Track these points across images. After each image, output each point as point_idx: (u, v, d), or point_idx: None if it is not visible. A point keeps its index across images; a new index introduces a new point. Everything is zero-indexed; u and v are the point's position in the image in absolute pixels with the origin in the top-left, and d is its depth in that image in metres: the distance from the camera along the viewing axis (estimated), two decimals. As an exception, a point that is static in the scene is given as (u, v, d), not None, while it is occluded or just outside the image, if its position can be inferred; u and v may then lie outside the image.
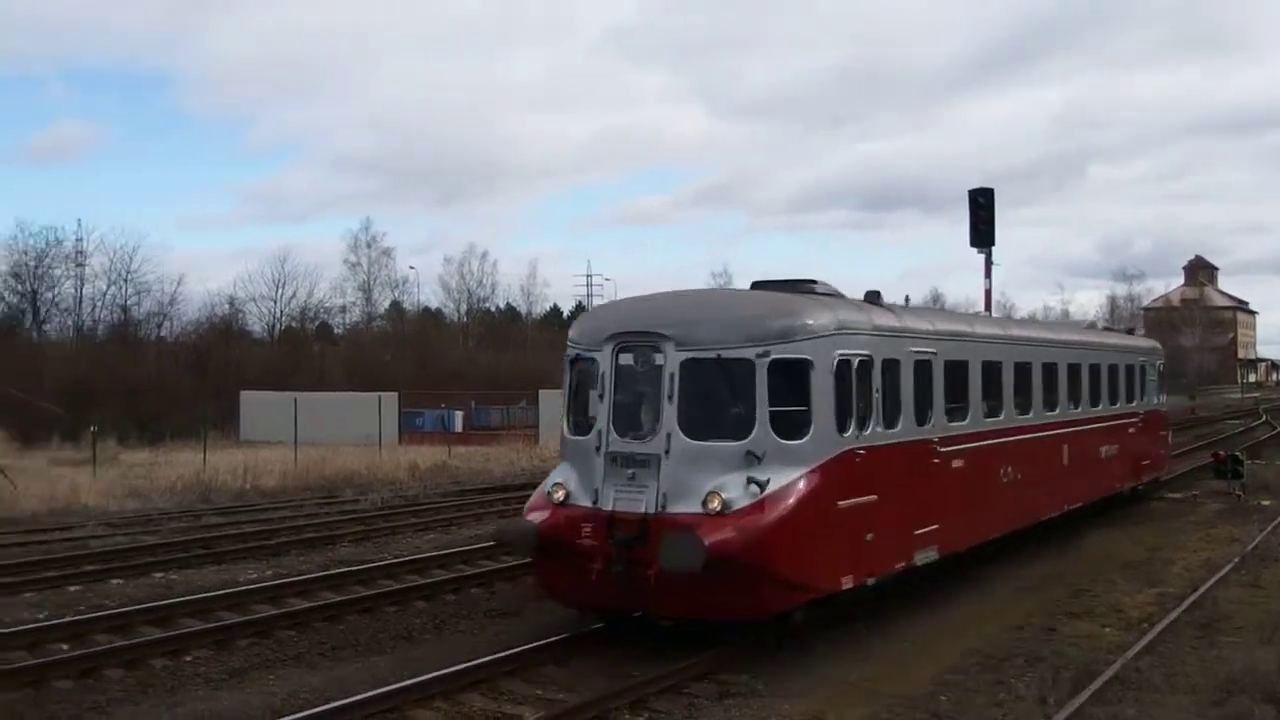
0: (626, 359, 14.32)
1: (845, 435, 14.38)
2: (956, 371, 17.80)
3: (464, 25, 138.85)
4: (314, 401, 56.01)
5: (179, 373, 76.53)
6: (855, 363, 14.67)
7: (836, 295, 15.83)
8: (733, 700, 12.67)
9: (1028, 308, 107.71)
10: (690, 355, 13.87)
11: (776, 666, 13.79)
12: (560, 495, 14.35)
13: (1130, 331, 37.71)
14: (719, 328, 13.97)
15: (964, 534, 17.54)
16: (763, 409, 13.70)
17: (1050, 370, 21.74)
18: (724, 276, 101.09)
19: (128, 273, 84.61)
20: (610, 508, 13.90)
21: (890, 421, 15.53)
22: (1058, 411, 21.98)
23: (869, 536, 14.74)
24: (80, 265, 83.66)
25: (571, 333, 15.28)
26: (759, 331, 13.88)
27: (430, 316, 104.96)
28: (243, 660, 14.59)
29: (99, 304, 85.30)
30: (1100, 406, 24.66)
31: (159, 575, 20.64)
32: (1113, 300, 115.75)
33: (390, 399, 61.43)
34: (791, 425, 13.87)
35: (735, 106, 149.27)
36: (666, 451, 13.69)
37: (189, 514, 29.87)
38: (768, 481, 13.40)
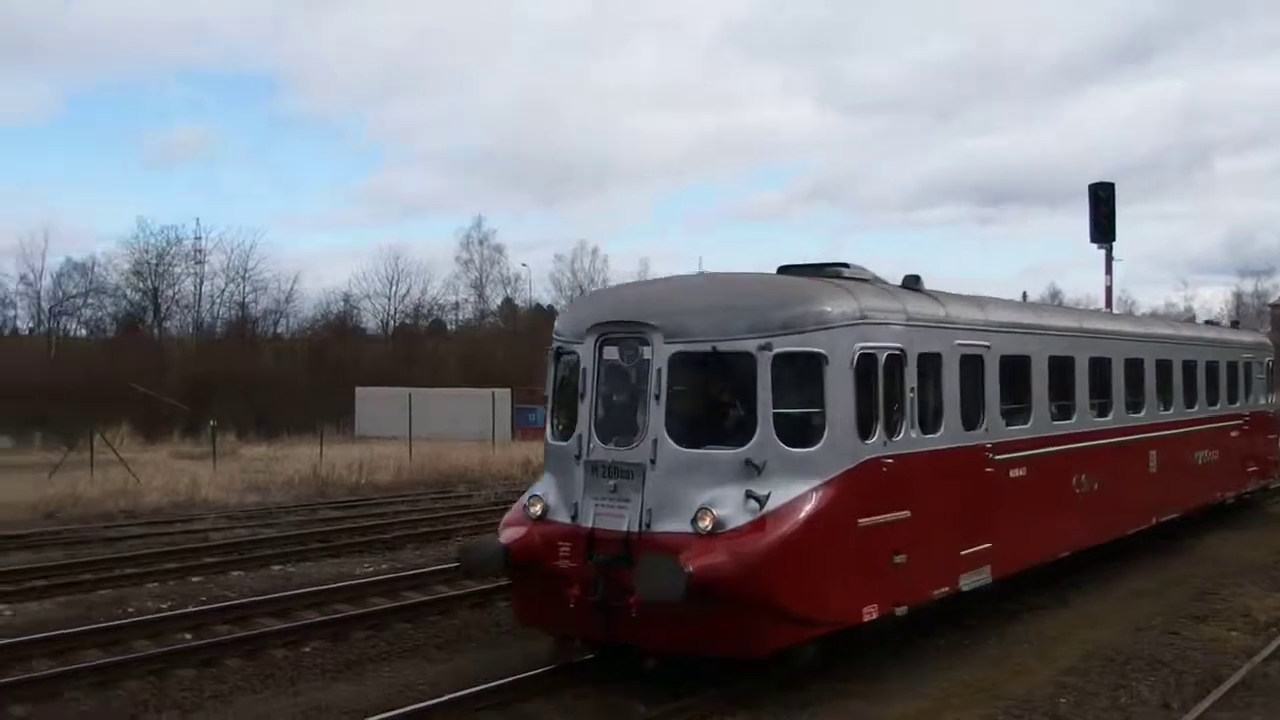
0: (611, 353, 12.12)
1: (869, 441, 12.00)
2: (1016, 368, 15.27)
3: (577, 23, 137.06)
4: (428, 397, 55.29)
5: (296, 369, 76.17)
6: (883, 357, 12.27)
7: (866, 280, 13.38)
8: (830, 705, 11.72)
9: (1149, 304, 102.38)
10: (680, 348, 11.60)
11: (892, 664, 13.08)
12: (537, 509, 12.20)
13: (1235, 325, 34.28)
14: (714, 316, 11.67)
15: (1024, 552, 15.00)
16: (765, 411, 11.38)
17: (1135, 367, 18.96)
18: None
19: (244, 270, 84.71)
20: (590, 525, 11.73)
21: (929, 425, 13.12)
22: (1144, 413, 19.19)
23: (899, 559, 12.34)
24: (199, 263, 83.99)
25: (556, 324, 13.08)
26: (761, 320, 11.54)
27: (542, 313, 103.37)
28: (359, 652, 14.31)
29: (217, 301, 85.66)
30: (1196, 408, 21.75)
31: (277, 568, 20.65)
32: (1239, 296, 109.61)
33: (504, 395, 61.03)
34: (800, 430, 11.58)
35: (849, 102, 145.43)
36: (652, 460, 11.46)
37: (306, 508, 30.10)
38: (768, 496, 11.08)
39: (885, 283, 13.77)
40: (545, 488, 12.42)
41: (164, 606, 16.98)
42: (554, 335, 12.96)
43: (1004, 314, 15.18)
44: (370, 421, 62.16)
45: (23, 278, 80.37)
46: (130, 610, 16.66)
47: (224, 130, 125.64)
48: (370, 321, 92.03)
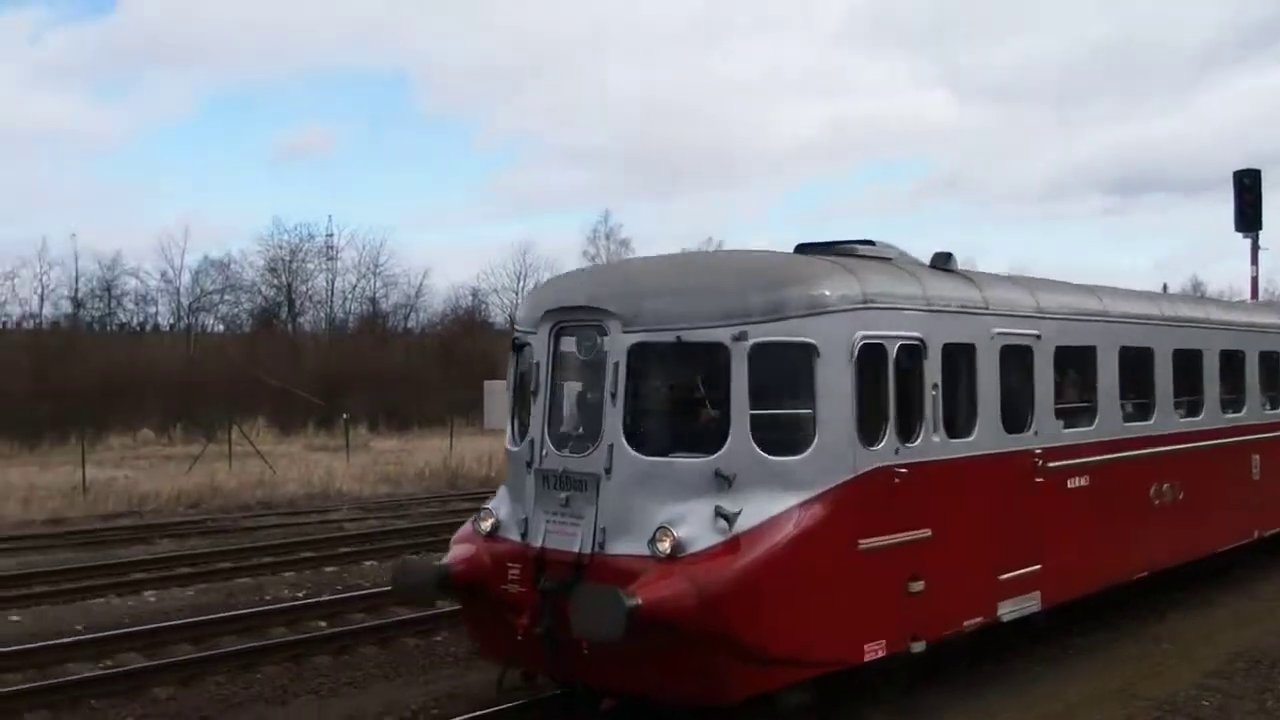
0: (568, 344, 10.16)
1: (875, 448, 9.90)
2: (1076, 360, 12.96)
3: (702, 15, 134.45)
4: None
5: (426, 363, 75.68)
6: (894, 349, 10.14)
7: (884, 258, 11.21)
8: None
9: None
10: (640, 338, 9.63)
11: (1027, 663, 12.49)
12: (487, 525, 10.33)
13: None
14: (680, 300, 9.66)
15: (1086, 574, 12.68)
16: (740, 412, 9.35)
17: (1233, 360, 16.30)
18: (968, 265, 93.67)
19: (375, 266, 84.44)
20: (540, 543, 9.78)
21: (957, 428, 10.97)
22: (1244, 412, 16.51)
23: (915, 586, 10.22)
24: (332, 260, 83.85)
25: (518, 311, 11.08)
26: (737, 304, 9.50)
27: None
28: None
29: (349, 297, 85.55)
30: None
31: (411, 558, 19.69)
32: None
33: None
34: (784, 435, 9.55)
35: (977, 92, 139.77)
36: (607, 470, 9.51)
37: (437, 499, 30.21)
38: (739, 514, 8.99)
39: (914, 262, 11.56)
40: (499, 499, 10.56)
41: (299, 594, 17.29)
42: (514, 325, 11.04)
43: (1060, 298, 12.80)
44: (499, 414, 61.23)
45: (163, 275, 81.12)
46: (268, 598, 17.04)
47: (354, 128, 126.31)
48: (498, 316, 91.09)
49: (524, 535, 9.95)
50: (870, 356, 9.97)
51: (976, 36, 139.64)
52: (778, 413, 9.57)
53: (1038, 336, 12.03)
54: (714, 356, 9.52)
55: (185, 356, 71.80)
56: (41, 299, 70.56)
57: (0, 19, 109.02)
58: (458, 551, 10.36)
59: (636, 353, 9.62)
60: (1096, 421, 12.98)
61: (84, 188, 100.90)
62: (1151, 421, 14.08)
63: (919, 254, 11.75)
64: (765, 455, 9.38)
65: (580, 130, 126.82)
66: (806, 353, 9.58)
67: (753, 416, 9.41)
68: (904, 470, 10.14)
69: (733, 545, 9.10)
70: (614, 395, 9.54)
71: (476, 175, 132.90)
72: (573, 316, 10.05)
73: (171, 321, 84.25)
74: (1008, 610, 11.44)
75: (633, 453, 9.47)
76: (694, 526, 9.14)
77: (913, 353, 10.41)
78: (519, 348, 10.64)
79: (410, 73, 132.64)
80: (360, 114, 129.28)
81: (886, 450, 10.03)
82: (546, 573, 9.64)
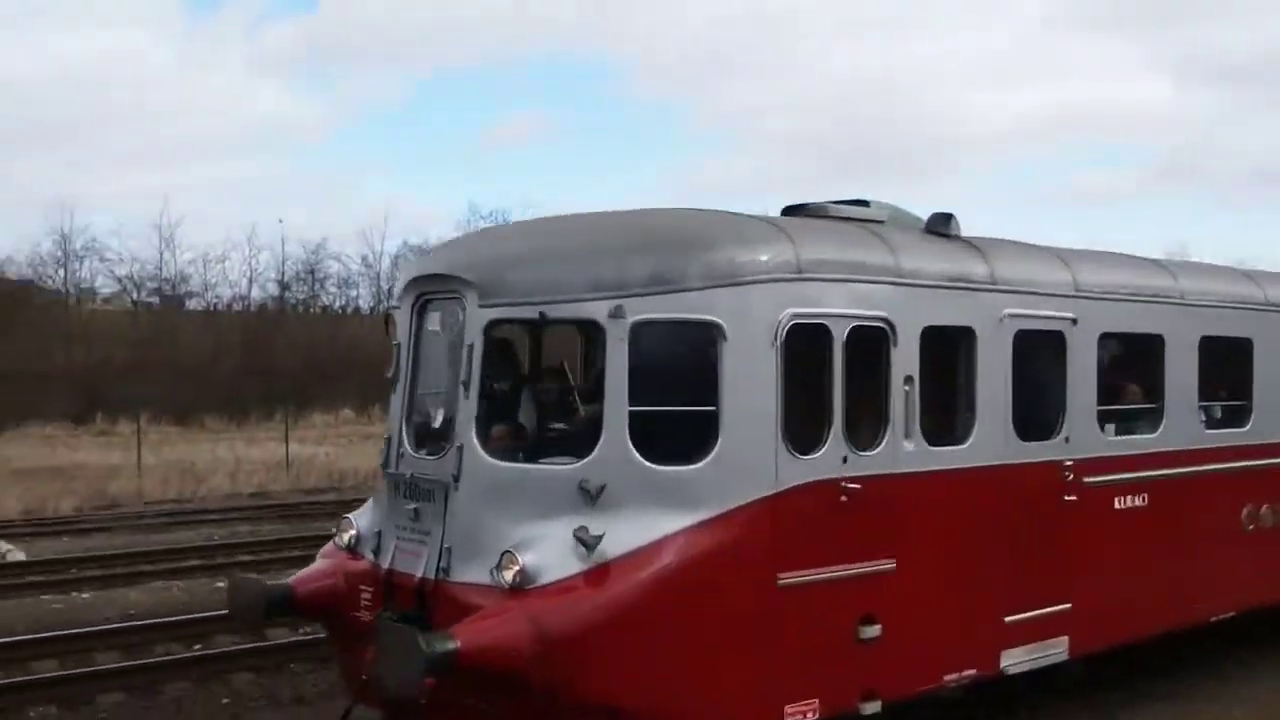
0: (433, 322, 8.05)
1: (810, 456, 7.63)
2: (1135, 352, 10.26)
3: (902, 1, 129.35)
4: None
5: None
6: (844, 331, 7.82)
7: (872, 221, 8.78)
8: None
9: None
10: (499, 314, 7.51)
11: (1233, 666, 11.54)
12: (346, 537, 8.33)
13: None
14: (549, 266, 7.54)
15: (1139, 616, 10.04)
16: (616, 408, 7.20)
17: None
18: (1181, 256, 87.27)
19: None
20: (388, 564, 7.75)
21: (945, 433, 8.53)
22: None
23: (869, 631, 7.92)
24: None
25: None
26: (615, 272, 7.33)
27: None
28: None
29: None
30: None
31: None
32: None
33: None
34: (675, 438, 7.37)
35: (1199, 76, 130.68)
36: (455, 477, 7.37)
37: None
38: (602, 537, 6.85)
39: (912, 220, 9.11)
40: (365, 507, 8.59)
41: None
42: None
43: (1111, 275, 10.07)
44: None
45: (364, 259, 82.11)
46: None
47: (554, 116, 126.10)
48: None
49: (375, 552, 7.99)
50: (805, 340, 7.66)
51: (1201, 18, 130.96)
52: (668, 410, 7.34)
53: (1073, 321, 9.42)
54: (586, 336, 7.38)
55: (384, 338, 72.29)
56: (250, 282, 71.85)
57: (219, 14, 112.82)
58: (312, 568, 8.50)
59: (494, 332, 7.52)
60: (1163, 427, 10.25)
61: (292, 176, 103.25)
62: (1246, 429, 11.19)
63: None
64: (647, 463, 7.19)
65: (780, 116, 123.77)
66: (708, 333, 7.33)
67: (633, 414, 7.21)
68: (855, 486, 7.78)
69: (594, 577, 6.96)
70: (466, 385, 7.46)
71: (676, 161, 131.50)
72: (434, 287, 7.99)
73: (371, 304, 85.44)
74: (1017, 660, 8.93)
75: (485, 457, 7.39)
76: (548, 551, 7.02)
77: (874, 337, 8.03)
78: (391, 325, 8.61)
79: (614, 61, 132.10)
80: (559, 101, 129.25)
81: (828, 460, 7.70)
82: (394, 598, 7.67)
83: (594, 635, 6.86)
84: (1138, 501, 9.96)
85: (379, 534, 7.98)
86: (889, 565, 8.01)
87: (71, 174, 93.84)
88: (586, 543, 6.94)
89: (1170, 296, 10.46)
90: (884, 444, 8.03)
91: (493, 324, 7.48)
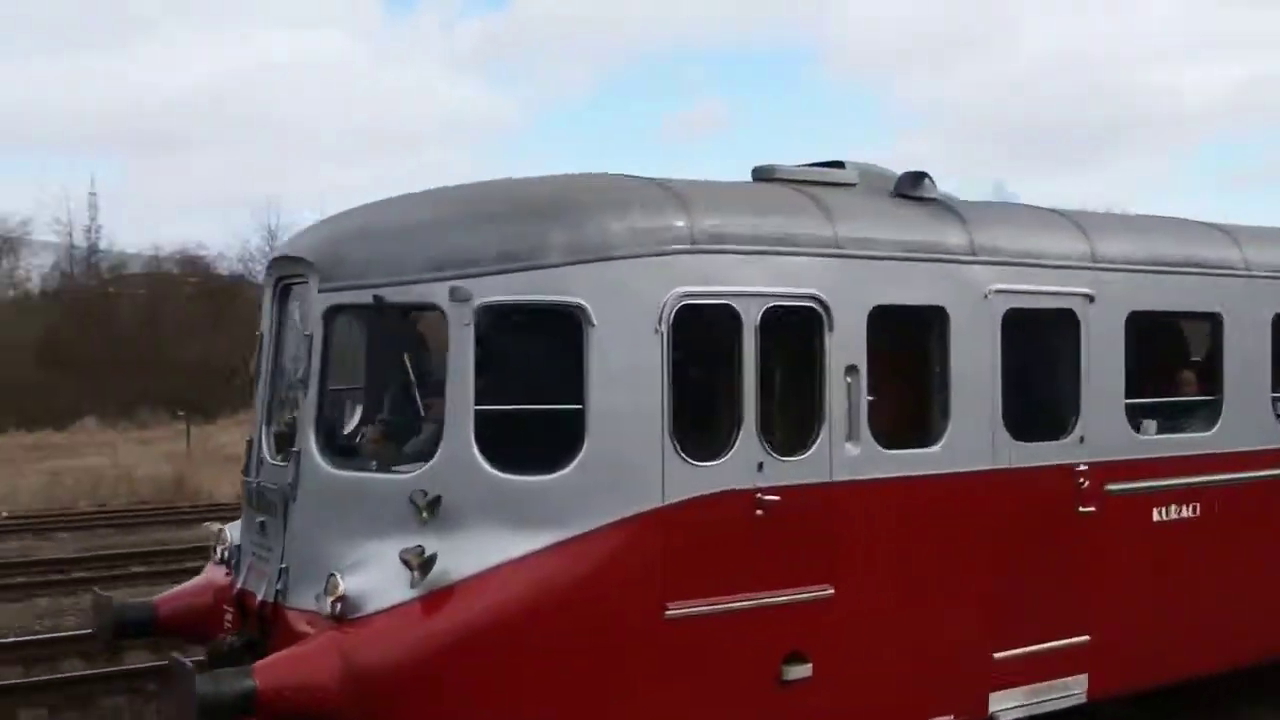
0: (294, 308, 6.94)
1: (712, 463, 6.38)
2: (1177, 333, 8.45)
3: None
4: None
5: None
6: (757, 313, 6.48)
7: (845, 184, 7.38)
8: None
9: None
10: (337, 299, 6.34)
11: None
12: (220, 550, 7.36)
13: None
14: (383, 243, 6.41)
15: (1176, 653, 8.22)
16: (459, 408, 6.04)
17: None
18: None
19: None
20: (241, 582, 6.77)
21: (904, 432, 7.03)
22: None
23: (796, 672, 6.55)
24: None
25: None
26: (457, 247, 6.16)
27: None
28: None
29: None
30: None
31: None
32: None
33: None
34: (531, 442, 6.09)
35: None
36: (293, 486, 6.29)
37: None
38: (432, 558, 5.69)
39: (888, 178, 7.61)
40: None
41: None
42: None
43: (1141, 242, 8.28)
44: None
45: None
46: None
47: (744, 103, 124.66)
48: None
49: (235, 566, 6.99)
50: (704, 325, 6.32)
51: None
52: (522, 408, 6.11)
53: (1089, 298, 7.74)
54: (429, 324, 6.20)
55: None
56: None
57: (415, 14, 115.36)
58: (185, 585, 7.59)
59: (333, 318, 6.40)
60: (1220, 424, 8.42)
61: (486, 166, 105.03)
62: None
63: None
64: (495, 472, 5.98)
65: (977, 99, 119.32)
66: (570, 318, 6.05)
67: (480, 414, 6.00)
68: (774, 498, 6.39)
69: (423, 608, 5.80)
70: (305, 382, 6.37)
71: (869, 146, 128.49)
72: (290, 270, 6.91)
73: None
74: (1014, 704, 7.35)
75: (323, 465, 6.28)
76: (376, 576, 5.90)
77: (803, 320, 6.61)
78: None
79: (809, 46, 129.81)
80: (753, 89, 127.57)
81: (737, 467, 6.35)
82: (247, 623, 6.67)
83: (413, 677, 5.72)
84: (1186, 512, 8.20)
85: (239, 548, 7.00)
86: (824, 592, 6.60)
87: (278, 170, 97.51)
88: (412, 565, 5.78)
89: (1231, 268, 8.60)
90: (816, 447, 6.62)
91: (330, 309, 6.37)
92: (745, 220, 6.57)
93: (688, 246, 6.30)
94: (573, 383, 6.07)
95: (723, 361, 6.42)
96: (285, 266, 6.95)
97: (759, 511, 6.39)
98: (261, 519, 6.65)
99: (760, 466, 6.41)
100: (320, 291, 6.38)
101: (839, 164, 7.79)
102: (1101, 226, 8.17)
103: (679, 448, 6.19)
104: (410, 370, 6.20)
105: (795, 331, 6.62)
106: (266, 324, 7.05)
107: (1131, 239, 8.21)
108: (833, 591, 6.63)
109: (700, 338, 6.33)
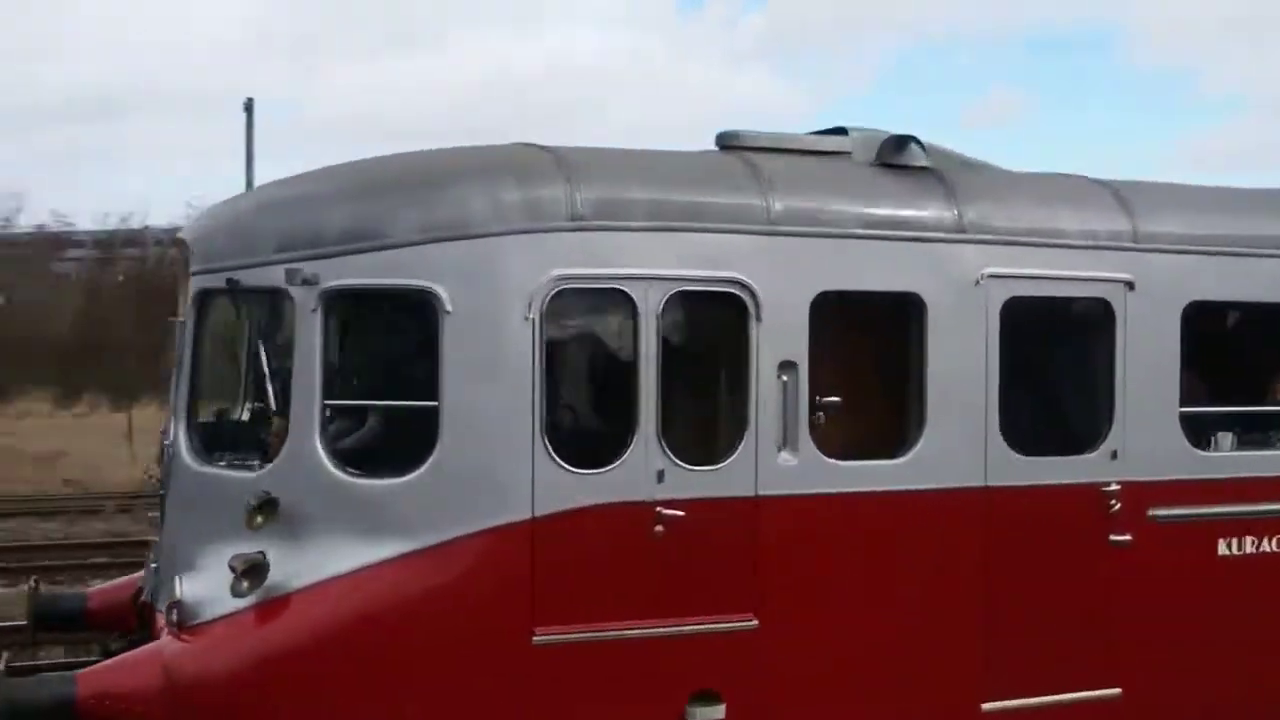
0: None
1: (600, 471, 5.53)
2: (1261, 331, 6.93)
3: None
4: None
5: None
6: (659, 300, 5.59)
7: (839, 153, 6.35)
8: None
9: None
10: (204, 282, 5.83)
11: None
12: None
13: None
14: (239, 225, 5.84)
15: (1243, 713, 6.65)
16: (305, 402, 5.46)
17: None
18: None
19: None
20: (143, 581, 6.47)
21: (859, 441, 5.94)
22: None
23: (707, 714, 5.65)
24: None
25: None
26: (303, 226, 5.55)
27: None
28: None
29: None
30: None
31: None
32: None
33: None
34: (383, 441, 5.41)
35: None
36: (164, 481, 5.92)
37: None
38: (262, 566, 5.17)
39: (875, 138, 6.47)
40: None
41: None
42: None
43: (1205, 218, 6.73)
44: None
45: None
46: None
47: (1033, 91, 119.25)
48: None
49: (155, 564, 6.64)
50: (589, 311, 5.50)
51: None
52: (372, 404, 5.44)
53: (1128, 285, 6.34)
54: (275, 309, 5.63)
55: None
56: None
57: (702, 11, 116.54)
58: (122, 579, 7.29)
59: (201, 303, 5.90)
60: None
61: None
62: None
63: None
64: (340, 474, 5.34)
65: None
66: (423, 304, 5.34)
67: (326, 409, 5.37)
68: (677, 513, 5.48)
69: (257, 616, 5.25)
70: (178, 371, 5.91)
71: (1182, 134, 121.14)
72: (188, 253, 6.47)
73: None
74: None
75: (187, 461, 5.80)
76: (210, 582, 5.38)
77: (721, 307, 5.64)
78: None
79: (1109, 34, 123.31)
80: (1051, 75, 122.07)
81: (631, 475, 5.48)
82: (141, 623, 6.32)
83: (236, 692, 5.16)
84: (1269, 545, 6.67)
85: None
86: (745, 623, 5.63)
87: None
88: (237, 573, 5.22)
89: None
90: (737, 456, 5.64)
91: (199, 294, 5.87)
92: (645, 191, 5.65)
93: (568, 222, 5.47)
94: (426, 377, 5.36)
95: (613, 355, 5.57)
96: (184, 250, 6.54)
97: (658, 528, 5.49)
98: (156, 514, 6.29)
99: (660, 476, 5.50)
100: (193, 275, 5.92)
101: (842, 130, 6.74)
102: (1150, 199, 6.71)
103: (554, 452, 5.38)
104: (264, 359, 5.65)
105: (710, 321, 5.68)
106: (184, 311, 6.66)
107: (1187, 214, 6.70)
108: (757, 623, 5.65)
109: (585, 327, 5.52)
